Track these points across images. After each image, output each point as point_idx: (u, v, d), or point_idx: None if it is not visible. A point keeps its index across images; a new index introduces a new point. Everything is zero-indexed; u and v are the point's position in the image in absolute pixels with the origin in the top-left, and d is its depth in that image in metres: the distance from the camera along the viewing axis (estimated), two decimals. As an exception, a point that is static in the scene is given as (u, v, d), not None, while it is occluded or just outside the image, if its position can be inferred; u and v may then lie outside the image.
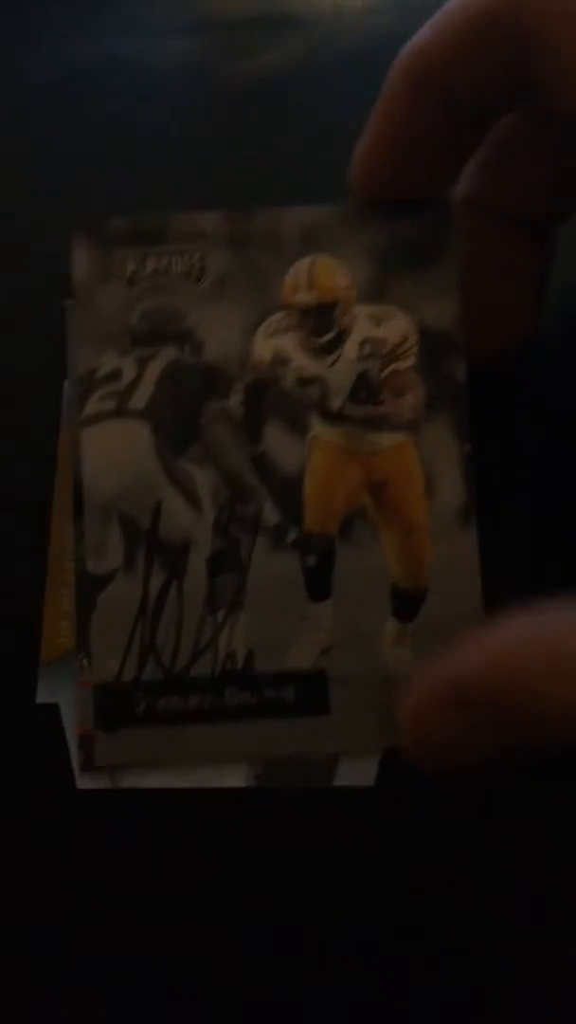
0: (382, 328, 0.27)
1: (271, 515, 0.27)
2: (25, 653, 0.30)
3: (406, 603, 0.26)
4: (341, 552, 0.27)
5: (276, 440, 0.27)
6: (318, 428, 0.27)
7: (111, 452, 0.27)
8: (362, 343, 0.27)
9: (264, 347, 0.27)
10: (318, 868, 0.28)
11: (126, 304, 0.27)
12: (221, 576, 0.27)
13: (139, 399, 0.27)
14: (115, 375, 0.27)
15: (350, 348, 0.27)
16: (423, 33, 0.24)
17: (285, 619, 0.27)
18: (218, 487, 0.27)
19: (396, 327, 0.27)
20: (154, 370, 0.27)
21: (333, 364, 0.27)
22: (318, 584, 0.27)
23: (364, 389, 0.27)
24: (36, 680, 0.29)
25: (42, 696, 0.29)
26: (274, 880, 0.28)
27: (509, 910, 0.28)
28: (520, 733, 0.22)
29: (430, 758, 0.24)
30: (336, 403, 0.27)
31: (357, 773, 0.28)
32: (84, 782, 0.28)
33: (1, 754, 0.29)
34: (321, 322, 0.27)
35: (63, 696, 0.29)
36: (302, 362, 0.27)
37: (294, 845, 0.28)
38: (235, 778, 0.28)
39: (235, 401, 0.27)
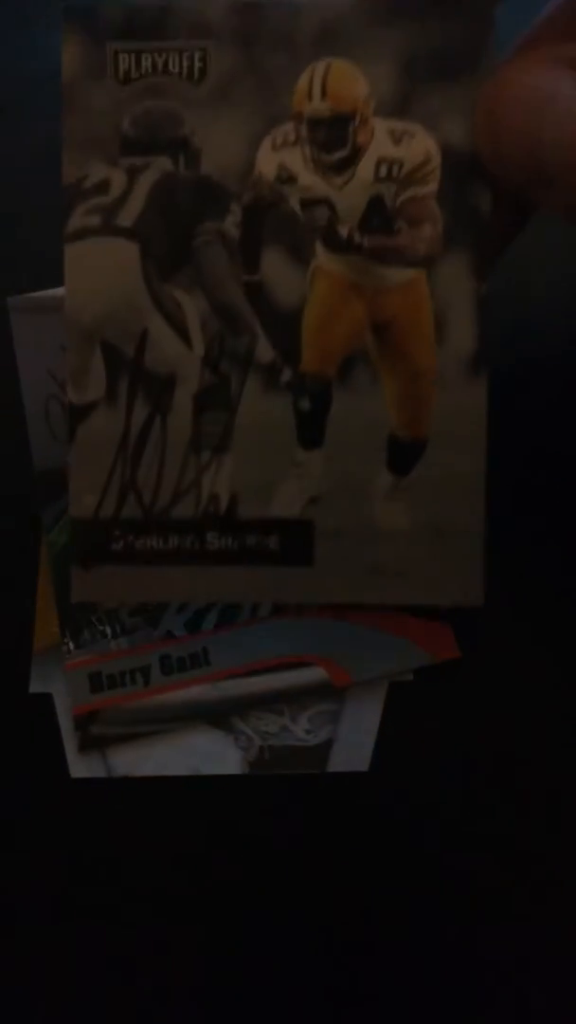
0: (402, 147, 0.24)
1: (265, 352, 0.25)
2: (18, 645, 0.29)
3: (403, 454, 0.25)
4: (338, 397, 0.25)
5: (275, 268, 0.25)
6: (322, 258, 0.25)
7: (95, 273, 0.25)
8: (378, 163, 0.24)
9: (268, 161, 0.24)
10: (313, 853, 0.27)
11: (118, 106, 0.24)
12: (208, 414, 0.25)
13: (127, 215, 0.25)
14: (103, 186, 0.25)
15: (364, 168, 0.24)
16: None
17: (273, 464, 0.25)
18: (208, 318, 0.25)
19: (418, 147, 0.24)
20: (146, 183, 0.25)
21: (344, 185, 0.24)
22: (311, 430, 0.25)
23: (377, 216, 0.24)
24: (29, 671, 0.29)
25: (35, 686, 0.28)
26: (269, 865, 0.27)
27: (506, 894, 0.27)
28: None
29: (494, 135, 0.22)
30: (344, 230, 0.24)
31: (351, 759, 0.27)
32: (78, 770, 0.28)
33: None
34: (334, 136, 0.24)
35: (55, 685, 0.28)
36: (309, 181, 0.24)
37: (289, 831, 0.27)
38: (229, 765, 0.27)
39: (231, 222, 0.24)
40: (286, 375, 0.25)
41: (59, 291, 0.26)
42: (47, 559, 0.29)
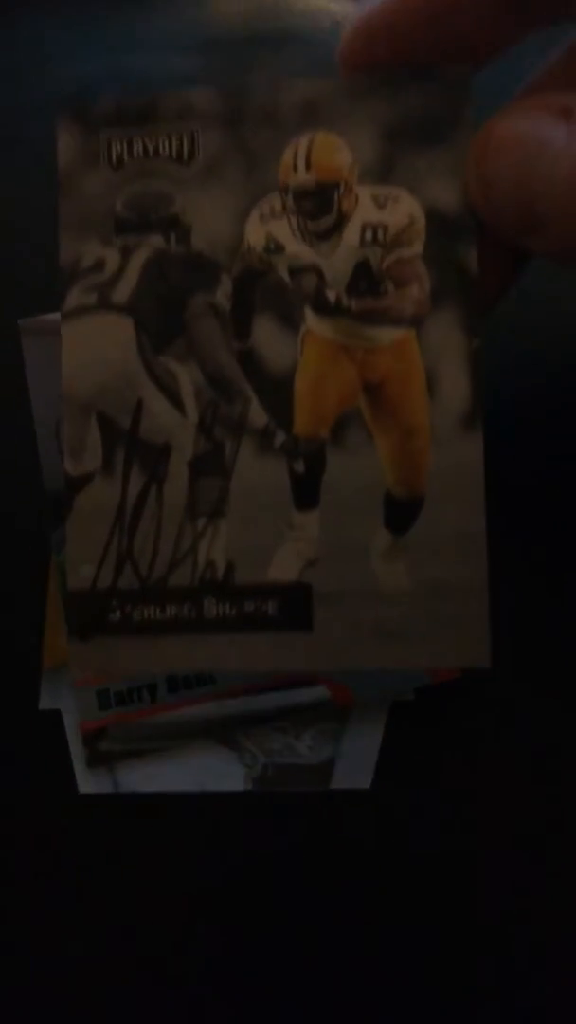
0: (386, 211, 0.24)
1: (258, 417, 0.25)
2: (28, 662, 0.30)
3: (400, 513, 0.24)
4: (332, 457, 0.25)
5: (265, 335, 0.25)
6: (312, 322, 0.25)
7: (91, 348, 0.25)
8: (363, 228, 0.25)
9: (256, 233, 0.25)
10: (315, 869, 0.27)
11: (111, 189, 0.25)
12: (203, 481, 0.25)
13: (122, 292, 0.25)
14: (98, 265, 0.25)
15: (350, 234, 0.25)
16: None
17: (269, 528, 0.25)
18: (202, 386, 0.25)
19: (402, 210, 0.24)
20: (138, 260, 0.25)
21: (331, 252, 0.25)
22: (306, 491, 0.25)
23: (364, 279, 0.25)
24: (38, 687, 0.29)
25: (44, 703, 0.29)
26: (272, 881, 0.28)
27: (507, 911, 0.27)
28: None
29: (486, 183, 0.22)
30: (332, 295, 0.25)
31: (353, 777, 0.28)
32: (86, 786, 0.28)
33: (5, 760, 0.29)
34: (319, 205, 0.25)
35: (64, 702, 0.29)
36: (296, 249, 0.25)
37: (292, 847, 0.28)
38: (233, 782, 0.28)
39: (222, 293, 0.25)
40: (279, 438, 0.25)
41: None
42: (56, 578, 0.29)
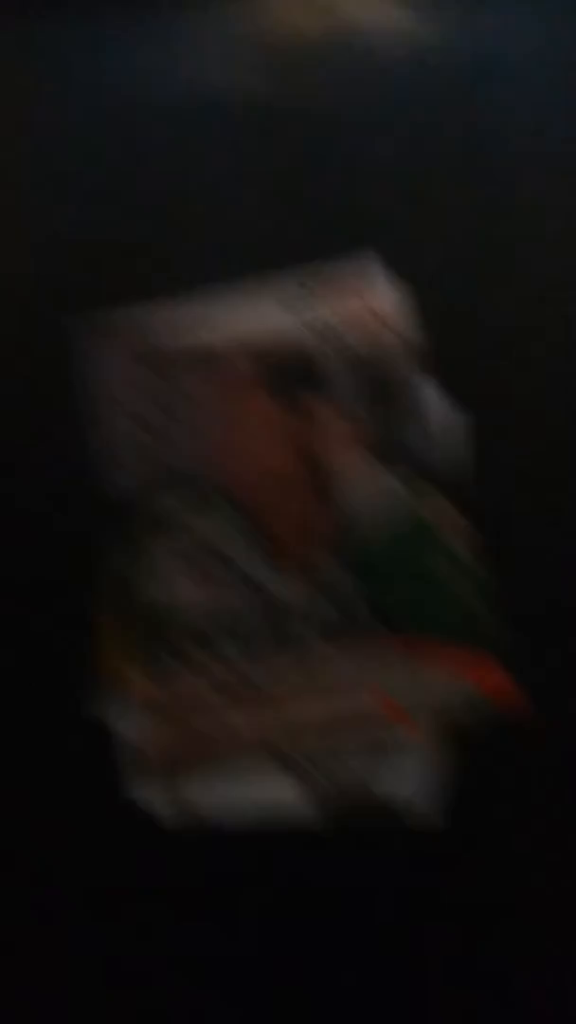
0: None
1: None
2: (82, 671, 0.31)
3: None
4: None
5: None
6: None
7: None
8: None
9: None
10: (385, 902, 0.30)
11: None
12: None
13: None
14: None
15: None
16: None
17: None
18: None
19: None
20: None
21: None
22: None
23: None
24: (92, 696, 0.30)
25: (97, 711, 0.31)
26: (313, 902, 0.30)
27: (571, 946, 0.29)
28: None
29: None
30: None
31: (424, 813, 0.29)
32: (137, 795, 0.29)
33: (55, 765, 0.31)
34: None
35: (117, 711, 0.30)
36: None
37: (357, 880, 0.30)
38: (294, 808, 0.28)
39: None
40: None
41: (127, 313, 0.28)
42: (108, 587, 0.30)
